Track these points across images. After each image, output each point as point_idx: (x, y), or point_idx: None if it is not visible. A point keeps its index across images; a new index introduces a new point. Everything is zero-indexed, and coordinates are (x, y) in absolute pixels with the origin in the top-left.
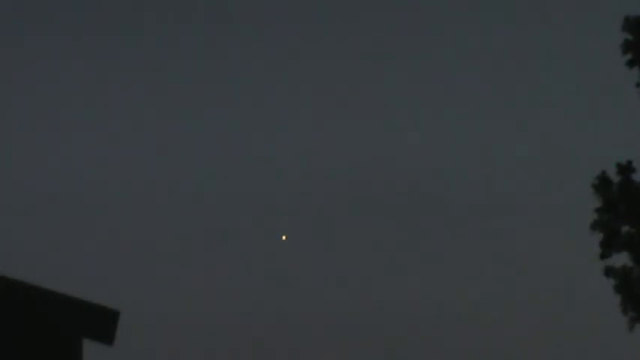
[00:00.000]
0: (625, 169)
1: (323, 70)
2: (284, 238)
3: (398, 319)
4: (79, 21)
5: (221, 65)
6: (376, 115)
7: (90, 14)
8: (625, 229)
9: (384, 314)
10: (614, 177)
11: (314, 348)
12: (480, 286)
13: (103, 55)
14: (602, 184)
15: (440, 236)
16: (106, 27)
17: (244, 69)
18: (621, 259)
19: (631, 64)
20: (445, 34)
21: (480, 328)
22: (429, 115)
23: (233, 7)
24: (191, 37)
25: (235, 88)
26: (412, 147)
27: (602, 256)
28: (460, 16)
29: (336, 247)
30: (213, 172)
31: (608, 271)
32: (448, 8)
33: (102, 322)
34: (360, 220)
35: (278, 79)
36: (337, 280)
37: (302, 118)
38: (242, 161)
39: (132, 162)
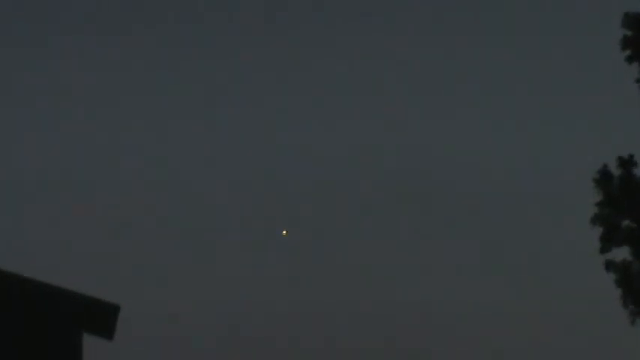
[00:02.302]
0: (626, 162)
1: (323, 69)
2: (284, 233)
3: (398, 319)
4: (79, 21)
5: (221, 65)
6: (377, 113)
7: (90, 14)
8: (625, 223)
9: (384, 314)
10: (615, 171)
11: (314, 347)
12: (480, 286)
13: (104, 54)
14: (603, 178)
15: (440, 236)
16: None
17: (246, 69)
18: (621, 254)
19: (630, 59)
20: (446, 34)
21: (480, 328)
22: (428, 114)
23: (233, 6)
24: (190, 36)
25: (235, 87)
26: (412, 146)
27: (602, 251)
28: (460, 16)
29: (336, 245)
30: (213, 169)
31: (609, 266)
32: (449, 8)
33: (102, 317)
34: (360, 219)
35: (278, 78)
36: (337, 278)
37: (303, 114)
38: (242, 158)
39: (132, 160)
